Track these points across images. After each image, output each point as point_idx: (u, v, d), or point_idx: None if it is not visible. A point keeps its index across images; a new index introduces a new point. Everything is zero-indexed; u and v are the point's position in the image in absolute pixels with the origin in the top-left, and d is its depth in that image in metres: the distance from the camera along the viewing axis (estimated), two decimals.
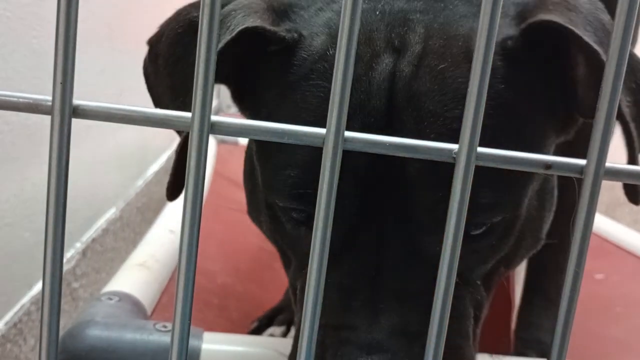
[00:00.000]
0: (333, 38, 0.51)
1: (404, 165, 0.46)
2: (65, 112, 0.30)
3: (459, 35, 0.50)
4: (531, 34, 0.50)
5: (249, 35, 0.50)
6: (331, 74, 0.49)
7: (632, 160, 0.49)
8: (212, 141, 1.79)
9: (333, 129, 0.30)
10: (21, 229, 0.82)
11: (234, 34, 0.49)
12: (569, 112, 0.55)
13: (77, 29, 0.30)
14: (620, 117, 0.47)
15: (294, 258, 0.55)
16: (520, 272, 0.92)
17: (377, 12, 0.51)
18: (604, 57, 0.47)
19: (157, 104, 0.62)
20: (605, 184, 0.31)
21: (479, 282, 0.51)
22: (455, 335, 0.47)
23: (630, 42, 0.29)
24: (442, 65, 0.49)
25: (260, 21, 0.51)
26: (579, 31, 0.47)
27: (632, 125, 0.48)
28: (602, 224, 1.58)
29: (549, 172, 0.31)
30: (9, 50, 0.76)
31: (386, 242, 0.48)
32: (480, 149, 0.30)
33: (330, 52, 0.50)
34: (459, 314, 0.49)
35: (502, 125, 0.48)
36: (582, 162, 0.30)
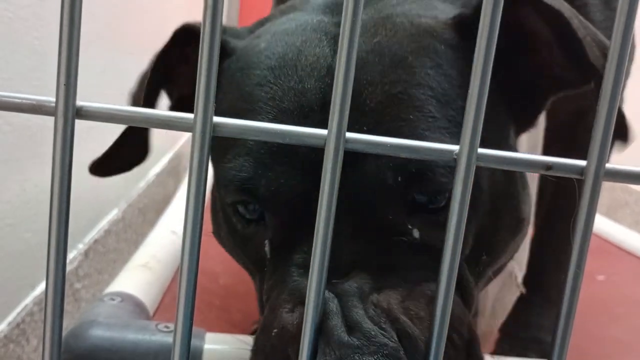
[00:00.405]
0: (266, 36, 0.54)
1: None
2: (69, 113, 0.31)
3: (392, 14, 0.51)
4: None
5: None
6: (260, 63, 0.51)
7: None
8: None
9: (334, 130, 0.30)
10: (23, 229, 0.82)
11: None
12: (528, 101, 0.55)
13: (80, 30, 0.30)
14: None
15: (250, 263, 0.54)
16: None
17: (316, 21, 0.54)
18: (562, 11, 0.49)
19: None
20: (606, 185, 0.31)
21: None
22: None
23: (630, 42, 0.29)
24: (375, 40, 0.49)
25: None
26: None
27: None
28: (603, 225, 1.58)
29: (549, 173, 0.31)
30: (10, 51, 0.76)
31: (341, 217, 0.45)
32: (481, 150, 0.30)
33: (261, 46, 0.53)
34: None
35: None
36: (583, 163, 0.31)
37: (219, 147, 0.51)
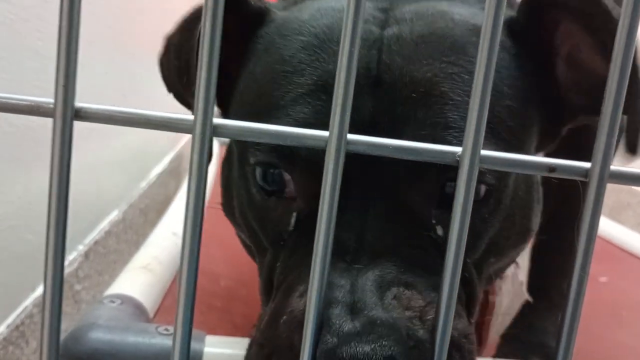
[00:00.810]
0: (305, 12, 0.54)
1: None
2: (67, 114, 0.30)
3: (448, 12, 0.52)
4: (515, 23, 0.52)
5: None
6: (304, 29, 0.52)
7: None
8: (215, 144, 1.79)
9: (336, 131, 0.30)
10: (24, 231, 0.82)
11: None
12: (553, 118, 0.56)
13: (79, 31, 0.30)
14: None
15: (264, 237, 0.53)
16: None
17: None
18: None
19: (169, 88, 0.67)
20: (611, 187, 0.30)
21: (468, 260, 0.49)
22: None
23: (634, 44, 0.29)
24: (437, 25, 0.50)
25: None
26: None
27: None
28: (607, 226, 1.57)
29: (553, 175, 0.31)
30: (12, 52, 0.76)
31: (370, 203, 0.46)
32: (484, 152, 0.30)
33: (304, 17, 0.53)
34: None
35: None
36: (587, 165, 0.30)
37: (251, 114, 0.52)
